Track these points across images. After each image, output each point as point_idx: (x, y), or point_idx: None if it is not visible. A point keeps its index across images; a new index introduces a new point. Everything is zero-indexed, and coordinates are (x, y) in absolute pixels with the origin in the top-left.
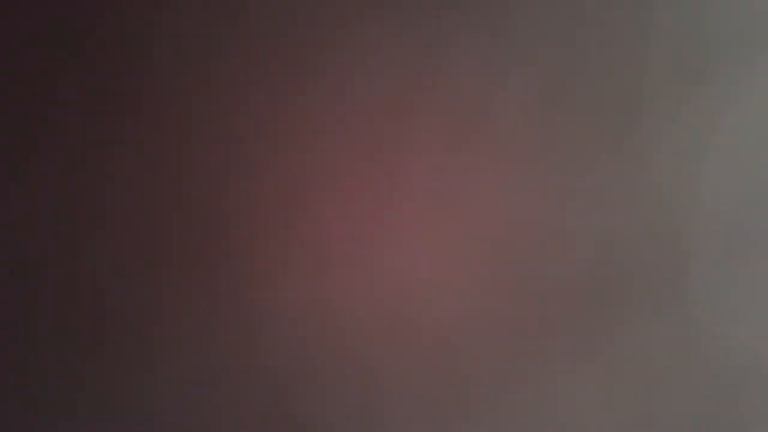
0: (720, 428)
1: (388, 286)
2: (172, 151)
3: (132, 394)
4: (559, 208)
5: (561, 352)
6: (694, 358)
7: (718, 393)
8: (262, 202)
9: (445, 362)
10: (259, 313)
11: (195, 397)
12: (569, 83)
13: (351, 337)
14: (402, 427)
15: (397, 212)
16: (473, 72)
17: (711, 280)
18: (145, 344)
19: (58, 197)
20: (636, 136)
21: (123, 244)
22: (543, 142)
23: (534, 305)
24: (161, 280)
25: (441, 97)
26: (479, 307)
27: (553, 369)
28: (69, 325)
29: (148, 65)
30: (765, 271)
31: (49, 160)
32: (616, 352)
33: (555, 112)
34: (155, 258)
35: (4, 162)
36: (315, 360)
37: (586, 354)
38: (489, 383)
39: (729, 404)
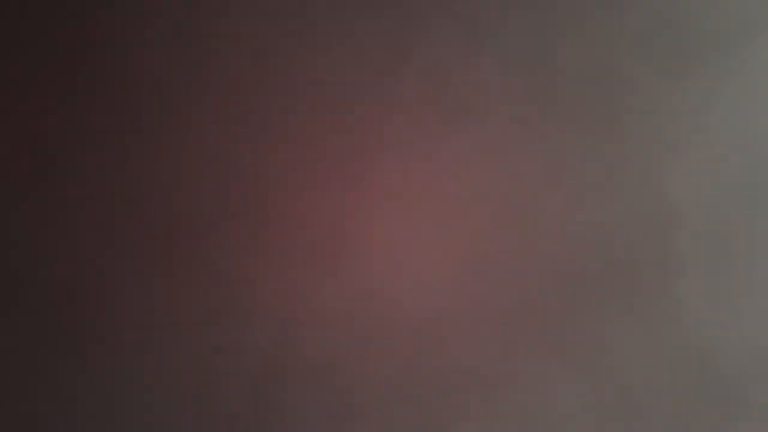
0: (707, 426)
1: (371, 281)
2: (153, 152)
3: (113, 389)
4: (544, 203)
5: (546, 347)
6: (681, 354)
7: (705, 390)
8: (240, 200)
9: (428, 357)
10: (240, 310)
11: (174, 392)
12: (554, 73)
13: (332, 333)
14: (384, 421)
15: (380, 207)
16: (452, 65)
17: (698, 275)
18: (126, 342)
19: (45, 198)
20: (623, 129)
21: (99, 244)
22: (526, 135)
23: (518, 301)
24: (142, 280)
25: (421, 90)
26: (463, 302)
27: (538, 364)
28: (55, 326)
29: (125, 64)
30: (752, 268)
31: (29, 161)
32: (600, 347)
33: (538, 104)
34: (135, 258)
35: None
36: (296, 357)
37: (571, 349)
38: (473, 378)
39: (716, 401)
